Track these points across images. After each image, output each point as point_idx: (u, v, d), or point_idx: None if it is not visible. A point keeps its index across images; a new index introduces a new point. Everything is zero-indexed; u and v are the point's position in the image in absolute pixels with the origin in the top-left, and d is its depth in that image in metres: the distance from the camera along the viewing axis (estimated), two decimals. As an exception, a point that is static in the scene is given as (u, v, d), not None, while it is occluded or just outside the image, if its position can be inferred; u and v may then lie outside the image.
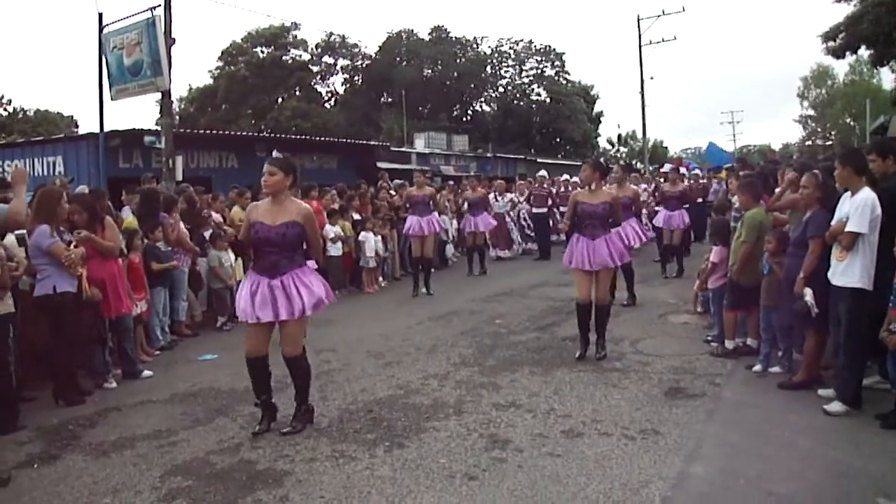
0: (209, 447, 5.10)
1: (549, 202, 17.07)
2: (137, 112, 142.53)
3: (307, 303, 5.18)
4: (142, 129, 17.57)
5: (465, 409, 5.78)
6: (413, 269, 12.31)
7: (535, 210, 16.91)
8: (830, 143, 61.39)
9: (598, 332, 7.43)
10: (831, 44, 26.04)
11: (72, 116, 48.95)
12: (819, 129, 67.51)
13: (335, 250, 11.52)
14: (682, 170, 19.11)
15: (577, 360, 7.19)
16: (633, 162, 23.44)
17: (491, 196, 16.17)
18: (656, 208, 14.71)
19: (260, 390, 5.43)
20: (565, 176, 18.24)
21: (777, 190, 7.33)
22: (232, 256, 9.64)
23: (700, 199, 17.05)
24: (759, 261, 6.72)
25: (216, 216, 10.30)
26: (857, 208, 5.24)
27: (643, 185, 16.58)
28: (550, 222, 17.14)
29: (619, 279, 10.11)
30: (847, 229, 5.27)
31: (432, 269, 12.24)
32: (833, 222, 5.46)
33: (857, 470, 4.47)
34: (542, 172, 18.26)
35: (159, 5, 13.81)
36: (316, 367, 6.81)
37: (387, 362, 7.40)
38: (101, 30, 14.70)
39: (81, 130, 36.14)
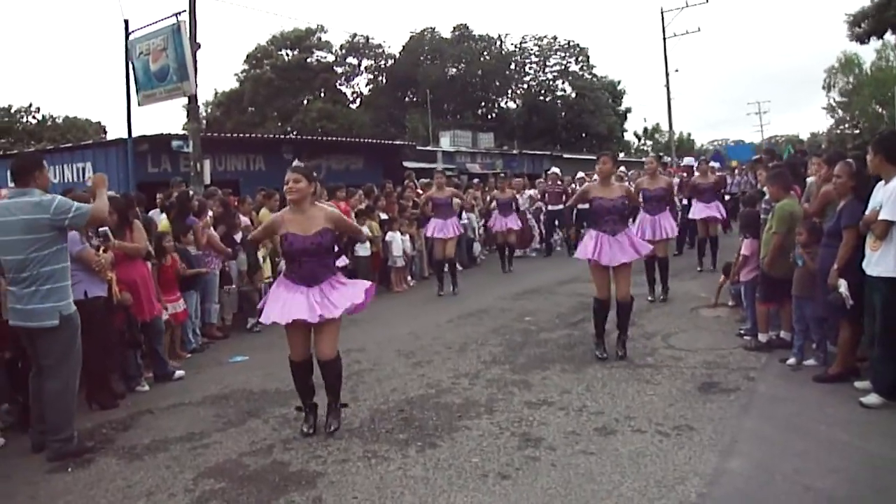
0: (241, 449, 5.12)
1: (564, 199, 17.00)
2: (164, 117, 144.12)
3: (346, 304, 5.19)
4: (169, 134, 17.75)
5: (497, 407, 5.76)
6: (436, 270, 12.31)
7: (550, 207, 16.89)
8: (859, 131, 60.37)
9: (621, 329, 7.29)
10: (857, 29, 25.72)
11: (100, 122, 49.65)
12: (848, 118, 66.38)
13: (363, 250, 11.55)
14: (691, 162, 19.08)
15: (599, 360, 7.06)
16: (660, 155, 23.21)
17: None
18: (684, 202, 14.60)
19: (305, 393, 5.46)
20: (580, 174, 18.19)
21: (810, 183, 7.21)
22: (261, 259, 9.71)
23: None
24: (790, 252, 6.62)
25: (244, 219, 10.37)
26: (891, 196, 5.13)
27: (675, 178, 16.43)
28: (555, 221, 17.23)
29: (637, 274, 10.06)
30: (880, 217, 5.17)
31: (458, 268, 12.21)
32: (867, 211, 5.36)
33: (895, 463, 4.39)
34: (555, 170, 18.19)
35: (184, 11, 13.95)
36: (346, 368, 6.79)
37: (417, 361, 7.39)
38: (127, 36, 14.85)
39: (109, 136, 36.72)
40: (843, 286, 5.60)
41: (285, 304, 5.17)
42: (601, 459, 4.60)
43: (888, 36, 26.50)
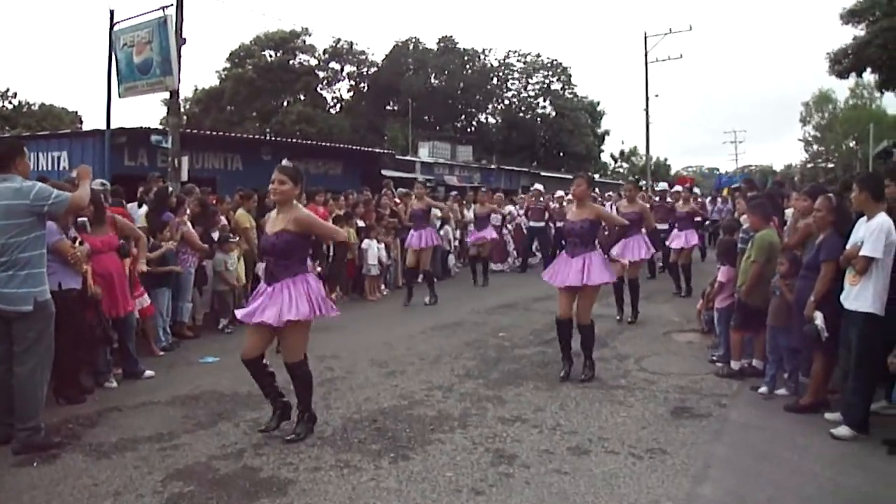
0: (211, 452, 5.04)
1: (546, 216, 17.12)
2: (141, 110, 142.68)
3: (294, 311, 5.07)
4: (148, 128, 17.56)
5: (471, 422, 5.73)
6: (406, 280, 12.28)
7: (531, 224, 16.96)
8: (832, 165, 61.53)
9: (584, 353, 7.16)
10: (838, 66, 26.23)
11: (76, 112, 49.01)
12: (822, 151, 67.65)
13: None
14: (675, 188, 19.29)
15: (560, 379, 6.98)
16: (637, 179, 23.49)
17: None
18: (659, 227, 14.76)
19: (265, 392, 5.43)
20: (559, 192, 18.37)
21: (788, 221, 7.30)
22: (236, 259, 9.62)
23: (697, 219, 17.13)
24: (768, 282, 6.69)
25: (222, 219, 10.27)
26: (873, 233, 5.22)
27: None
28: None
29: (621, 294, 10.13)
30: (862, 253, 5.24)
31: (435, 280, 12.20)
32: (848, 246, 5.43)
33: (867, 496, 4.44)
34: (538, 186, 18.36)
35: (171, 4, 13.80)
36: (319, 375, 6.79)
37: (390, 371, 7.35)
38: (111, 27, 14.67)
39: (85, 127, 36.20)
40: (818, 318, 5.67)
41: (249, 304, 5.33)
42: (575, 479, 4.58)
43: (867, 74, 27.02)
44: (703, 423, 5.74)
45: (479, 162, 39.24)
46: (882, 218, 5.26)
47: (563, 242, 7.38)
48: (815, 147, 69.05)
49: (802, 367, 6.39)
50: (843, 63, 25.84)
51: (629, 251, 10.19)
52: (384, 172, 24.02)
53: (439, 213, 14.42)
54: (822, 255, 5.80)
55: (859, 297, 5.28)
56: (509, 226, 17.28)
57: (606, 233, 8.68)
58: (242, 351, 5.33)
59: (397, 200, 14.83)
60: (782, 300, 6.43)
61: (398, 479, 4.58)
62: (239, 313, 5.46)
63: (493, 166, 38.05)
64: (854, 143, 59.65)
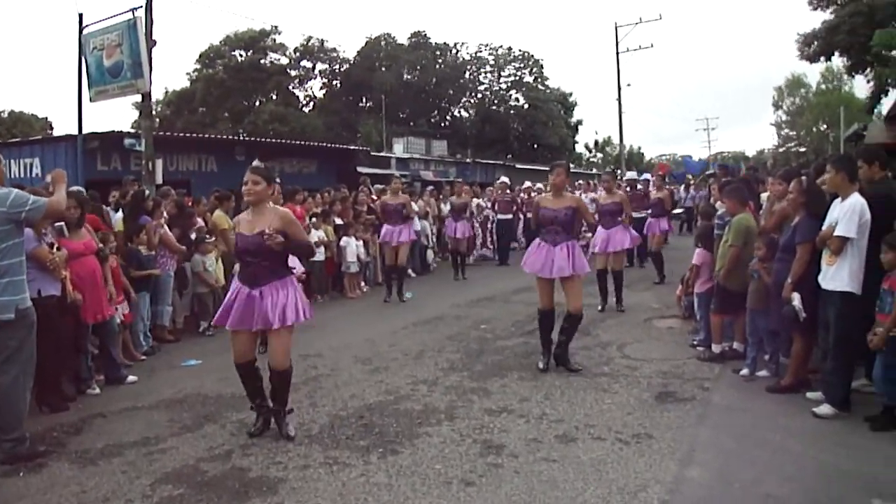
0: (199, 454, 5.02)
1: (514, 208, 17.20)
2: (112, 114, 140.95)
3: (282, 317, 5.08)
4: (121, 132, 17.34)
5: (457, 414, 5.75)
6: (385, 276, 12.29)
7: (500, 216, 17.03)
8: (804, 149, 62.19)
9: (562, 337, 7.09)
10: (807, 49, 26.50)
11: (47, 118, 48.44)
12: (794, 136, 68.36)
13: (318, 255, 11.44)
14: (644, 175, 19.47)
15: (541, 371, 6.97)
16: (615, 169, 23.68)
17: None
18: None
19: (253, 395, 5.42)
20: (527, 184, 18.51)
21: (764, 205, 7.39)
22: (214, 260, 9.56)
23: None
24: (746, 265, 6.76)
25: (198, 220, 10.21)
26: (846, 213, 5.30)
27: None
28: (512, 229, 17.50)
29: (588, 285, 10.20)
30: (836, 233, 5.33)
31: (410, 275, 12.21)
32: (824, 227, 5.51)
33: (850, 472, 4.50)
34: (504, 179, 18.43)
35: (140, 6, 13.65)
36: (303, 373, 6.81)
37: (375, 368, 7.35)
38: (81, 30, 14.47)
39: (56, 132, 35.77)
40: (796, 299, 5.76)
41: (232, 308, 5.17)
42: (563, 467, 4.62)
43: (836, 59, 27.35)
44: (687, 407, 5.81)
45: (454, 156, 39.22)
46: (855, 198, 5.34)
47: (540, 231, 7.24)
48: (786, 131, 69.76)
49: (782, 348, 6.48)
50: (812, 47, 26.13)
51: (613, 243, 10.27)
52: (359, 169, 23.92)
53: (416, 208, 14.39)
54: (797, 237, 5.89)
55: (836, 276, 5.36)
56: (477, 218, 17.30)
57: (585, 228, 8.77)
58: (235, 355, 5.30)
59: (374, 197, 14.81)
60: (760, 283, 6.51)
61: (388, 473, 4.59)
62: (221, 319, 5.31)
63: (468, 160, 38.06)
64: (825, 126, 60.34)
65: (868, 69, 25.50)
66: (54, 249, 5.92)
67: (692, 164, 31.89)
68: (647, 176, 19.24)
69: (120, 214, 8.99)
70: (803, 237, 5.82)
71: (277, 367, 5.21)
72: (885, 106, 23.01)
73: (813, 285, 5.64)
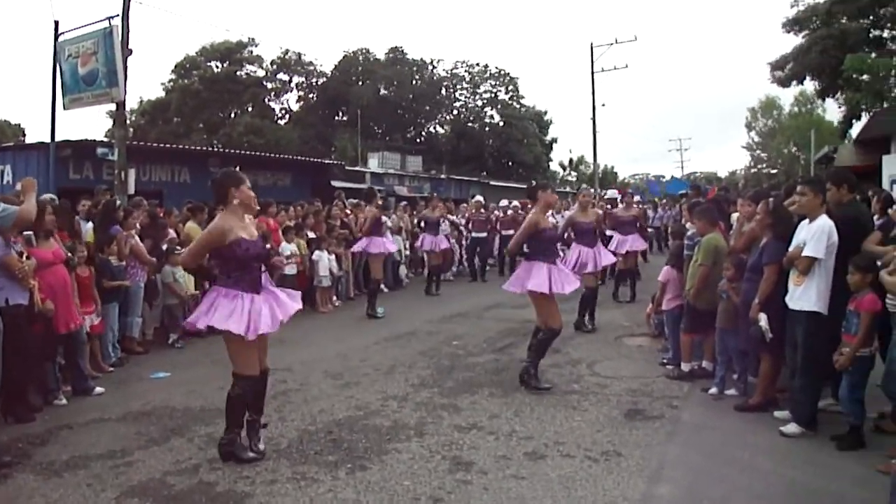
0: (166, 468, 4.96)
1: (489, 226, 17.24)
2: (85, 123, 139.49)
3: (287, 311, 5.18)
4: (94, 140, 17.27)
5: (427, 430, 5.74)
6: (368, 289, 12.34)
7: (474, 234, 17.04)
8: (776, 171, 63.18)
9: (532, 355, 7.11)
10: (779, 73, 26.94)
11: (20, 125, 47.90)
12: (765, 157, 69.40)
13: (290, 269, 11.38)
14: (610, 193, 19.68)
15: (536, 388, 6.93)
16: (586, 187, 23.90)
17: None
18: (608, 233, 14.92)
19: (261, 409, 5.30)
20: (503, 202, 18.61)
21: (734, 226, 7.47)
22: (184, 271, 9.46)
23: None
24: (715, 285, 6.84)
25: (170, 232, 10.12)
26: (815, 234, 5.39)
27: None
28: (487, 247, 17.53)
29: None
30: (804, 254, 5.41)
31: (383, 290, 12.23)
32: (791, 247, 5.59)
33: (817, 490, 4.56)
34: (479, 198, 18.49)
35: (117, 15, 13.60)
36: (272, 387, 6.71)
37: (345, 383, 7.31)
38: (56, 38, 14.38)
39: (29, 140, 35.37)
40: (763, 320, 5.83)
41: (258, 316, 4.91)
42: (532, 484, 4.62)
43: (807, 82, 27.84)
44: (656, 425, 5.84)
45: (428, 172, 39.33)
46: (823, 220, 5.44)
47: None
48: (758, 152, 70.80)
49: (751, 367, 6.55)
50: (784, 70, 26.59)
51: (593, 261, 10.09)
52: (334, 183, 23.94)
53: (390, 224, 14.38)
54: (764, 258, 5.98)
55: (803, 297, 5.44)
56: (452, 235, 17.31)
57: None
58: (258, 365, 5.08)
59: (348, 212, 14.79)
60: (730, 303, 6.59)
61: (356, 489, 4.57)
62: (239, 327, 4.81)
63: (442, 176, 38.20)
64: (795, 148, 61.36)
65: (839, 93, 26.02)
66: (23, 258, 5.85)
67: (656, 188, 32.31)
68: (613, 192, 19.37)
69: (90, 225, 8.88)
70: (770, 258, 5.90)
71: (267, 366, 5.29)
72: (856, 130, 23.45)
73: (780, 305, 5.71)
